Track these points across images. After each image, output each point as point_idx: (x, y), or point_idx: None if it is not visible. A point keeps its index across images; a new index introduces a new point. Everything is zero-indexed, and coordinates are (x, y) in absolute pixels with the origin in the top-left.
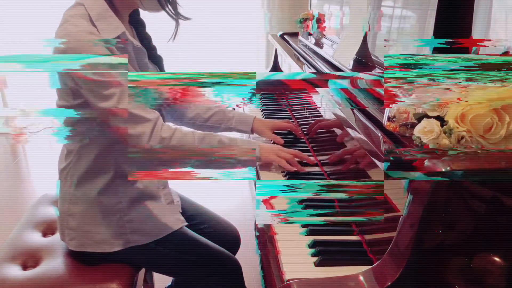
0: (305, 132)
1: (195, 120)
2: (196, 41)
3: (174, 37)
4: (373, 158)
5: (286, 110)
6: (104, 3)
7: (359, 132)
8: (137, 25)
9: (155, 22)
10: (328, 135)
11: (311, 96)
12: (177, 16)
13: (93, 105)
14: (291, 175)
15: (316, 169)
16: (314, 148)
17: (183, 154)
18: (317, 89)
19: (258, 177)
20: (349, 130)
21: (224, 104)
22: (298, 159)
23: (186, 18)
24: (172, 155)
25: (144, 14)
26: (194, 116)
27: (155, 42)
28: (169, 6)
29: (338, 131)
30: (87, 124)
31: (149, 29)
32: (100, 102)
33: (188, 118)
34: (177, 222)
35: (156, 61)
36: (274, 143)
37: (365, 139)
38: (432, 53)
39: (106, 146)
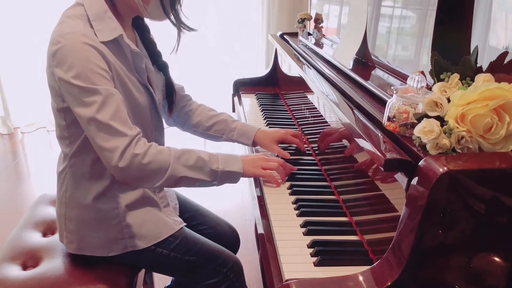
0: (309, 139)
1: (197, 127)
2: (196, 41)
3: (177, 49)
4: (373, 159)
5: (286, 110)
6: (104, 4)
7: (368, 141)
8: (141, 30)
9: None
10: (335, 147)
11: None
12: (180, 25)
13: (74, 112)
14: (293, 183)
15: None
16: (321, 160)
17: (156, 171)
18: (313, 90)
19: (260, 184)
20: (359, 141)
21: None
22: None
23: (191, 29)
24: (145, 172)
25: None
26: (196, 123)
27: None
28: (174, 15)
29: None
30: (78, 129)
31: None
32: (80, 109)
33: (190, 125)
34: (175, 224)
35: (161, 68)
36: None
37: (376, 152)
38: (432, 53)
39: None
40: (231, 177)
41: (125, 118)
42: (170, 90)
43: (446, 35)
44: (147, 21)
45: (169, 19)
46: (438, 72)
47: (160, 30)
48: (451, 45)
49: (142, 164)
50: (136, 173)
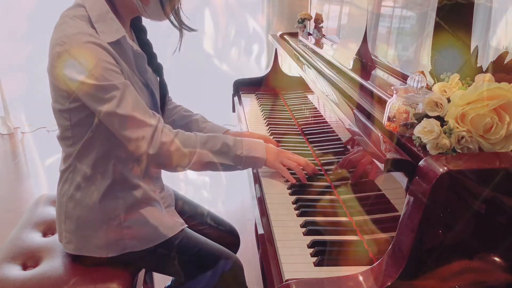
0: (309, 139)
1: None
2: (196, 41)
3: (179, 48)
4: (373, 159)
5: (286, 110)
6: (105, 5)
7: (368, 141)
8: (138, 31)
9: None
10: (336, 147)
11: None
12: (181, 25)
13: (93, 109)
14: (294, 185)
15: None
16: (321, 161)
17: (184, 157)
18: (313, 90)
19: (260, 184)
20: (359, 140)
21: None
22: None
23: (192, 29)
24: (173, 158)
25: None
26: (170, 122)
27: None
28: (174, 15)
29: (342, 137)
30: (82, 129)
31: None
32: (99, 106)
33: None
34: (176, 225)
35: (156, 69)
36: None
37: (376, 151)
38: (432, 53)
39: (105, 152)
40: (255, 162)
41: (144, 106)
42: (163, 91)
43: (446, 35)
44: (144, 22)
45: (169, 19)
46: (438, 72)
47: (156, 32)
48: (451, 45)
49: (170, 151)
50: (165, 159)
